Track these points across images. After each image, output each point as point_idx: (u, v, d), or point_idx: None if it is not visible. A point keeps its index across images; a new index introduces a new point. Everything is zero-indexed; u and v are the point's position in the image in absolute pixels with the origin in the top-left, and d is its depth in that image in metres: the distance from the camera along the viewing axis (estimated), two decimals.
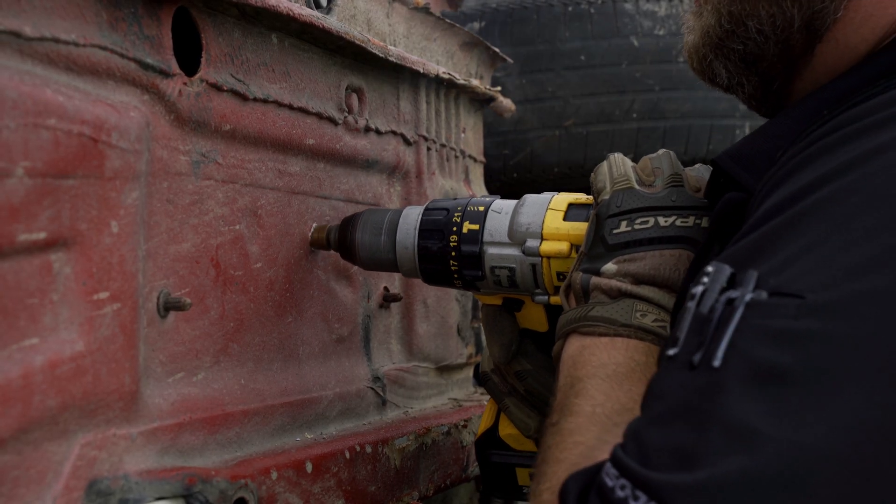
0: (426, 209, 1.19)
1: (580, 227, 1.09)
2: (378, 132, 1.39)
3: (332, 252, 1.29)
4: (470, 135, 1.69)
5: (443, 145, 1.57)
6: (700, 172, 1.02)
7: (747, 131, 2.20)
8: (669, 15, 2.10)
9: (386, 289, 1.44)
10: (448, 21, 1.60)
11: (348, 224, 1.23)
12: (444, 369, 1.57)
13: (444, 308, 1.56)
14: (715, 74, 0.97)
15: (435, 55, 1.59)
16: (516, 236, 1.13)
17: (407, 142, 1.47)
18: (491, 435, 1.24)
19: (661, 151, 1.04)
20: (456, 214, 1.16)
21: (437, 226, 1.17)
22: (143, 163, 0.95)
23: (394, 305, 1.46)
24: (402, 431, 1.31)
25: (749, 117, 2.20)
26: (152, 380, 0.98)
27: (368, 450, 1.21)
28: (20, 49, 0.82)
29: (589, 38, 2.05)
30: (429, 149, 1.52)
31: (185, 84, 1.01)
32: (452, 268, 1.16)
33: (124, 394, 0.91)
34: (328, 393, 1.27)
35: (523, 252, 1.12)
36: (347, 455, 1.17)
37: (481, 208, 1.16)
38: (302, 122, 1.22)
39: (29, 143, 0.79)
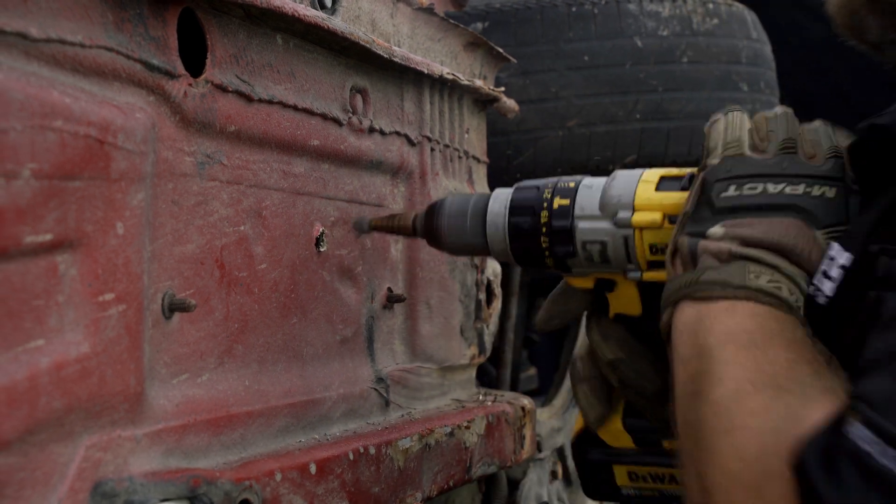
0: (516, 188, 1.17)
1: (673, 197, 1.07)
2: (382, 133, 1.39)
3: (336, 252, 1.29)
4: (473, 135, 1.69)
5: (446, 146, 1.57)
6: (817, 135, 0.98)
7: None
8: (673, 15, 2.10)
9: (389, 289, 1.44)
10: (452, 21, 1.60)
11: (433, 210, 1.22)
12: (448, 370, 1.57)
13: (448, 309, 1.56)
14: (864, 31, 0.92)
15: (439, 56, 1.59)
16: (607, 209, 1.10)
17: (411, 142, 1.47)
18: (587, 431, 1.20)
19: (778, 110, 1.00)
20: (546, 191, 1.14)
21: (527, 202, 1.14)
22: (149, 164, 0.95)
23: (397, 306, 1.46)
24: (405, 432, 1.31)
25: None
26: (157, 381, 0.98)
27: (372, 451, 1.21)
28: (26, 50, 0.81)
29: (592, 39, 2.05)
30: (433, 149, 1.52)
31: (190, 85, 1.01)
32: (543, 245, 1.13)
33: (129, 395, 0.91)
34: (332, 394, 1.27)
35: (615, 224, 1.09)
36: (351, 456, 1.17)
37: (571, 184, 1.14)
38: (306, 123, 1.22)
39: (35, 145, 0.79)
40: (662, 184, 1.09)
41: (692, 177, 1.08)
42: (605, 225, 1.10)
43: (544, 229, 1.13)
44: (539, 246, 1.14)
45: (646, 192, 1.09)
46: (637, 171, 1.11)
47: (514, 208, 1.15)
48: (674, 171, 1.11)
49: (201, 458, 1.02)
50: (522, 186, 1.17)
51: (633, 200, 1.09)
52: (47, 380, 0.81)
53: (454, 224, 1.19)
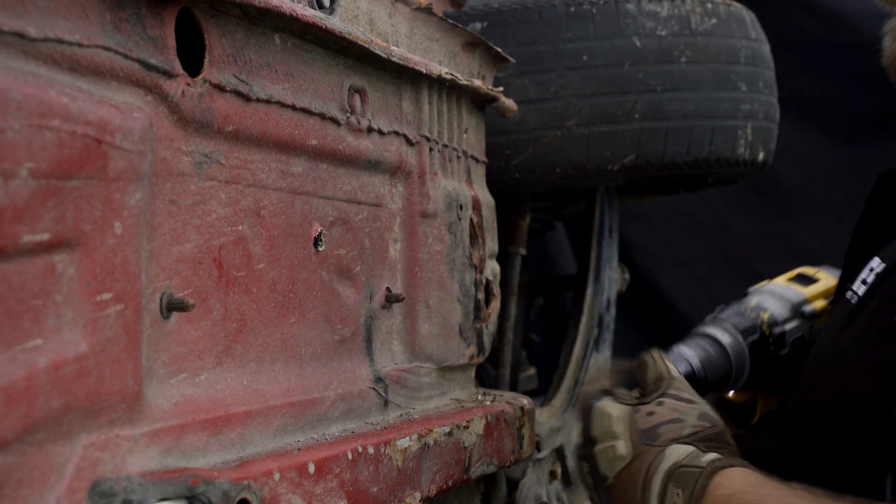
0: (719, 320, 1.43)
1: (819, 286, 1.40)
2: (380, 133, 1.39)
3: (334, 252, 1.29)
4: (472, 135, 1.69)
5: (445, 146, 1.57)
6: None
7: (749, 132, 2.19)
8: (672, 15, 2.10)
9: (388, 289, 1.44)
10: (450, 21, 1.60)
11: (685, 362, 1.42)
12: (447, 370, 1.57)
13: (447, 309, 1.56)
14: None
15: (437, 55, 1.59)
16: (794, 309, 1.40)
17: (409, 142, 1.47)
18: None
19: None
20: (748, 310, 1.42)
21: (746, 323, 1.42)
22: (147, 164, 0.95)
23: (396, 306, 1.46)
24: (404, 432, 1.31)
25: (752, 118, 2.20)
26: (155, 381, 0.98)
27: (371, 451, 1.21)
28: (24, 50, 0.81)
29: (591, 39, 2.05)
30: (431, 149, 1.52)
31: (188, 85, 1.01)
32: (772, 352, 1.40)
33: (127, 395, 0.91)
34: (330, 394, 1.27)
35: (804, 318, 1.39)
36: (350, 456, 1.17)
37: (753, 302, 1.43)
38: (305, 123, 1.22)
39: (33, 145, 0.79)
40: (800, 280, 1.42)
41: (802, 276, 1.44)
42: (798, 322, 1.41)
43: (771, 339, 1.41)
44: (769, 354, 1.40)
45: (809, 289, 1.41)
46: (775, 281, 1.45)
47: (744, 331, 1.42)
48: (791, 273, 1.42)
49: (199, 457, 1.02)
50: (725, 317, 1.45)
51: (807, 297, 1.41)
52: (45, 379, 0.81)
53: (713, 360, 1.41)
